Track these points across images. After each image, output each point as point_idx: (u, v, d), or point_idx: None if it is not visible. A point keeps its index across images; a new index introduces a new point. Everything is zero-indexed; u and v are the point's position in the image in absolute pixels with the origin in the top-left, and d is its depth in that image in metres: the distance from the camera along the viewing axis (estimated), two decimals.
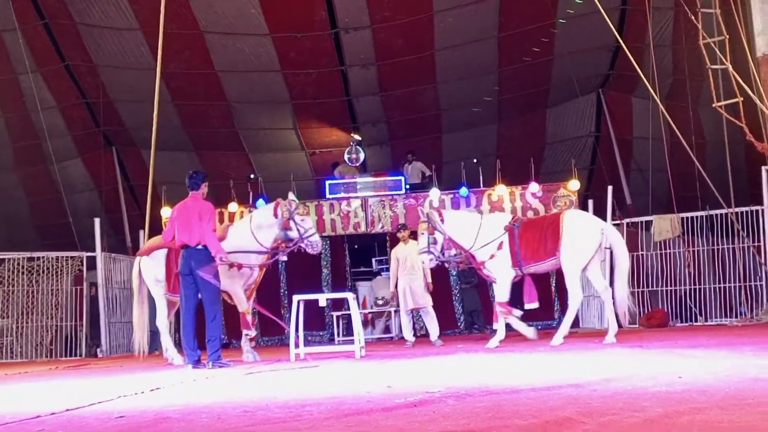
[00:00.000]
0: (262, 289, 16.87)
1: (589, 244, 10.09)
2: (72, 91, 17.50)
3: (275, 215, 10.12)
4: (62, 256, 15.48)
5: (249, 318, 10.09)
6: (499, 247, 10.13)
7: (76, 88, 17.46)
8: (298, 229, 10.09)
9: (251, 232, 10.10)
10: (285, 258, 10.56)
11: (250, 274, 10.13)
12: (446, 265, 11.06)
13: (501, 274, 10.18)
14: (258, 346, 16.90)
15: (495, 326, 10.80)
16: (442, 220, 10.29)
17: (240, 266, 9.74)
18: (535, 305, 10.46)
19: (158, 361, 11.07)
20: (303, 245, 10.17)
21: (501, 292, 10.20)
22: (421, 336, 14.21)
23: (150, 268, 10.63)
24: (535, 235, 10.26)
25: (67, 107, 17.79)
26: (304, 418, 3.84)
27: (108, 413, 4.55)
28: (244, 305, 10.01)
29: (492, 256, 10.11)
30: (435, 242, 10.25)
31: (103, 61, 16.78)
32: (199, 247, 8.77)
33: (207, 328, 8.82)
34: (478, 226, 10.26)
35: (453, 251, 10.43)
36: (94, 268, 15.49)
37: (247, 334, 10.13)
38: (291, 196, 10.34)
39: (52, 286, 15.39)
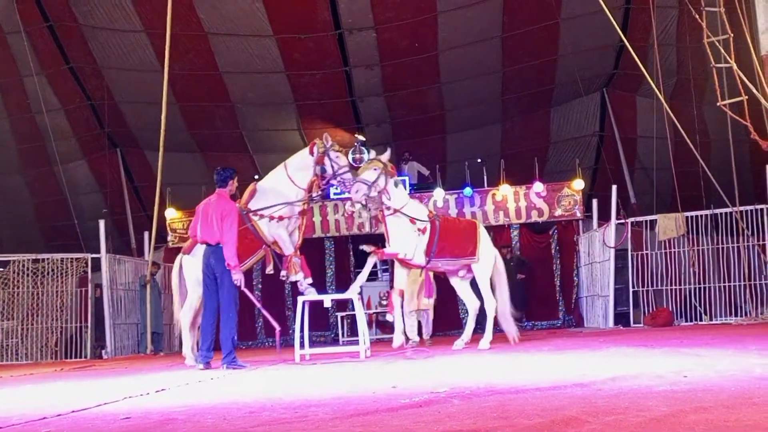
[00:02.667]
0: (267, 290, 17.02)
1: (493, 259, 10.74)
2: (76, 92, 17.53)
3: (311, 153, 10.26)
4: (67, 258, 15.50)
5: (296, 261, 10.08)
6: (423, 231, 10.20)
7: (80, 90, 17.49)
8: (332, 165, 10.21)
9: (288, 177, 10.18)
10: (319, 199, 10.58)
11: (295, 224, 10.23)
12: (365, 211, 10.70)
13: (418, 258, 10.21)
14: (263, 346, 16.97)
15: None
16: (394, 173, 10.39)
17: (281, 218, 9.90)
18: (430, 301, 10.40)
19: (163, 362, 11.08)
20: (335, 182, 10.33)
21: (418, 257, 10.22)
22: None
23: (192, 267, 10.12)
24: (455, 233, 10.58)
25: (71, 109, 17.82)
26: (310, 419, 3.84)
27: (114, 414, 4.56)
28: (290, 249, 10.04)
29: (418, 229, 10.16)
30: (387, 189, 10.10)
31: (107, 62, 16.80)
32: (220, 245, 8.68)
33: (222, 328, 8.74)
34: (407, 202, 10.40)
35: (376, 204, 10.24)
36: (98, 270, 15.53)
37: (285, 276, 10.16)
38: (326, 135, 10.45)
39: (57, 287, 15.41)
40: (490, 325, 10.56)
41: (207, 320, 8.86)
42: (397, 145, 19.35)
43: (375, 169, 10.09)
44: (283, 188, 10.11)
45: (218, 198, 8.93)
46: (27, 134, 17.71)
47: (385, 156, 10.39)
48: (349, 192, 10.32)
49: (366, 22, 16.14)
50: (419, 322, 13.64)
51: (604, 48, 17.03)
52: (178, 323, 10.80)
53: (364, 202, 10.14)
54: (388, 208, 10.18)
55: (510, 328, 10.73)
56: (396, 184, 10.34)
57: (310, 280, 10.16)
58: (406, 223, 10.17)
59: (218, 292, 8.76)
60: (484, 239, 10.71)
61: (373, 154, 10.67)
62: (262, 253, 10.29)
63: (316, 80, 17.76)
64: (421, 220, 10.23)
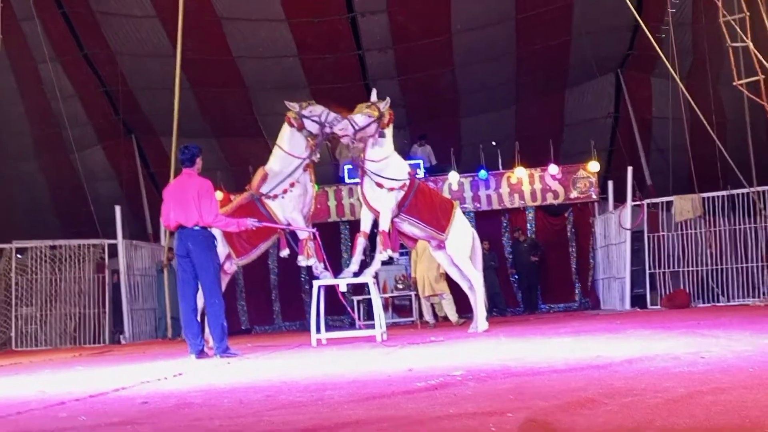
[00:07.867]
0: (283, 275, 17.07)
1: (470, 241, 10.73)
2: (91, 79, 17.53)
3: (291, 125, 10.06)
4: (84, 244, 15.60)
5: (311, 245, 9.97)
6: (401, 187, 10.04)
7: (95, 76, 17.49)
8: (313, 121, 9.98)
9: (288, 154, 10.07)
10: (317, 157, 10.42)
11: (309, 199, 10.21)
12: (353, 144, 10.10)
13: (388, 205, 9.99)
14: (280, 331, 17.04)
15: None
16: (389, 124, 10.05)
17: (292, 184, 9.85)
18: (386, 255, 10.18)
19: (180, 347, 11.14)
20: (329, 131, 9.97)
21: (384, 221, 10.01)
22: (443, 318, 14.33)
23: None
24: (431, 200, 10.52)
25: (86, 96, 17.82)
26: (326, 402, 3.85)
27: (131, 399, 4.59)
28: (305, 233, 9.99)
29: (392, 189, 9.98)
30: (375, 137, 9.87)
31: (121, 49, 16.79)
32: (197, 228, 8.13)
33: (208, 315, 8.31)
34: (390, 154, 10.15)
35: (361, 146, 10.02)
36: (115, 256, 15.62)
37: (301, 261, 10.11)
38: (286, 102, 10.22)
39: (74, 273, 15.52)
40: (481, 302, 10.56)
41: (188, 307, 8.30)
42: (411, 128, 19.31)
43: (369, 116, 9.78)
44: (289, 167, 10.05)
45: (188, 177, 8.33)
46: (42, 120, 17.72)
47: (384, 104, 10.02)
48: (335, 128, 9.93)
49: (379, 5, 16.06)
50: (433, 306, 13.79)
51: (618, 28, 16.89)
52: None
53: (348, 142, 9.94)
54: (364, 162, 10.00)
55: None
56: (383, 136, 10.00)
57: (310, 262, 10.06)
58: (378, 182, 9.99)
59: (197, 277, 8.21)
60: (459, 219, 10.63)
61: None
62: (276, 236, 10.29)
63: (330, 64, 17.70)
64: (394, 180, 9.98)
